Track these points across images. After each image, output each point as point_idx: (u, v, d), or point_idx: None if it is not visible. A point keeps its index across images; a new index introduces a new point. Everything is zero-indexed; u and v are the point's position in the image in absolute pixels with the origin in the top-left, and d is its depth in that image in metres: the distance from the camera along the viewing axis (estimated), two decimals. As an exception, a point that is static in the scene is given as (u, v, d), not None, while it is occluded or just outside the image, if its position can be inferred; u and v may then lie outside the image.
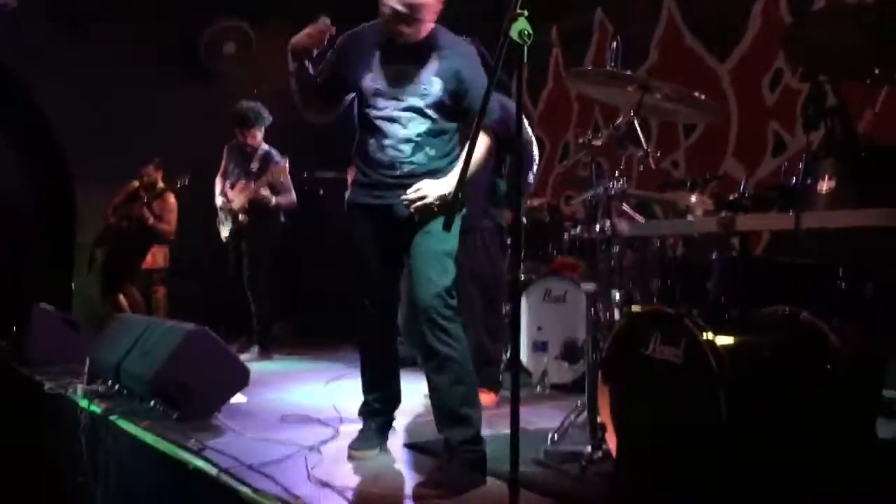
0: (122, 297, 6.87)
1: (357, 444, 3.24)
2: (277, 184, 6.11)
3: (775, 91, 5.23)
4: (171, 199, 6.96)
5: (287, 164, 6.02)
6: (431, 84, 3.02)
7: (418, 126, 3.04)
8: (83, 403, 4.06)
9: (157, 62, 7.60)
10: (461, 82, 3.01)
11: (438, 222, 2.82)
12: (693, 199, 3.13)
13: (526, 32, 2.10)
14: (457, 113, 3.07)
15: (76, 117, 7.20)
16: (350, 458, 3.17)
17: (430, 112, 3.03)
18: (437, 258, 2.96)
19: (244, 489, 2.76)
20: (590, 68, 5.21)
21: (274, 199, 6.12)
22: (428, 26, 3.01)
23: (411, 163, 3.06)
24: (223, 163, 6.35)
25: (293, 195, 6.25)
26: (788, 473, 2.32)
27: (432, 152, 3.06)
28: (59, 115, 7.34)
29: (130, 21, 7.37)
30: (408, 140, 3.05)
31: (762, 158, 5.25)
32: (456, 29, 3.17)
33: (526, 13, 2.09)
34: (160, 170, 6.96)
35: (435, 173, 3.00)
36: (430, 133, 3.06)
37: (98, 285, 6.99)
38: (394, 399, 3.35)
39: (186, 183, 6.72)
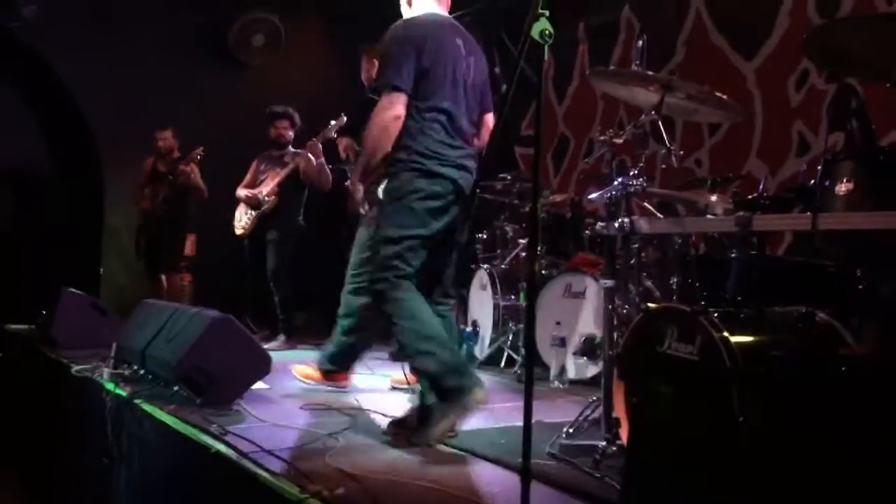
0: (162, 281, 6.98)
1: None
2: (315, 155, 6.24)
3: (801, 91, 5.22)
4: (196, 169, 7.04)
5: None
6: None
7: None
8: (109, 386, 4.15)
9: (188, 52, 7.72)
10: None
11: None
12: (713, 197, 3.15)
13: (547, 32, 2.13)
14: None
15: (106, 106, 7.34)
16: None
17: None
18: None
19: (263, 473, 2.81)
20: (612, 68, 5.22)
21: (322, 158, 6.20)
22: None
23: None
24: (248, 175, 6.47)
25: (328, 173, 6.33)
26: (801, 473, 2.33)
27: None
28: (90, 103, 7.47)
29: (163, 12, 7.48)
30: None
31: (786, 159, 5.24)
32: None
33: (548, 13, 2.13)
34: (176, 139, 7.04)
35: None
36: None
37: (143, 268, 7.10)
38: None
39: (201, 153, 6.79)
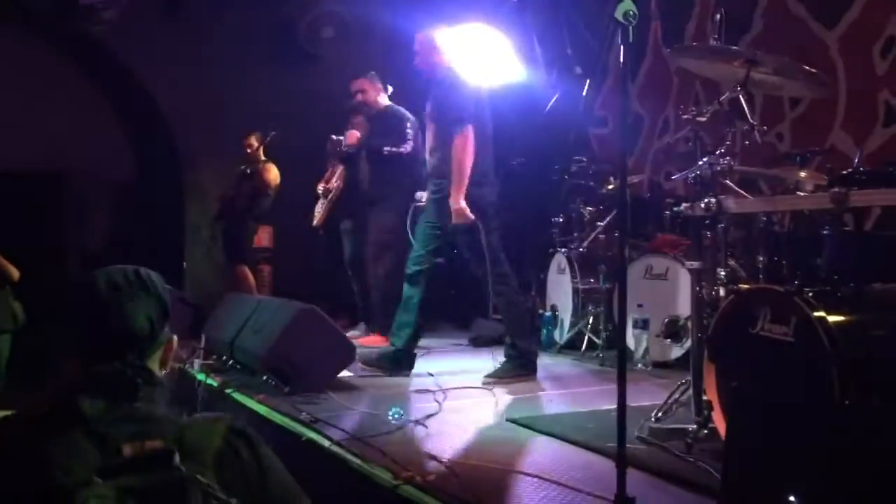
0: (238, 271, 7.10)
1: None
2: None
3: (886, 58, 5.01)
4: (273, 169, 7.10)
5: None
6: None
7: None
8: (201, 377, 4.28)
9: (260, 48, 7.84)
10: None
11: None
12: (803, 173, 3.06)
13: (631, 13, 2.11)
14: None
15: (184, 103, 7.50)
16: None
17: None
18: None
19: (356, 460, 2.86)
20: (695, 44, 5.09)
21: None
22: None
23: None
24: (328, 174, 6.55)
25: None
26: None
27: None
28: (168, 101, 7.65)
29: (234, 9, 7.62)
30: None
31: (872, 130, 5.05)
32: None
33: (631, -5, 2.10)
34: (261, 142, 7.11)
35: None
36: None
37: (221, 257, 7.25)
38: None
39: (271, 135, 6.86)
